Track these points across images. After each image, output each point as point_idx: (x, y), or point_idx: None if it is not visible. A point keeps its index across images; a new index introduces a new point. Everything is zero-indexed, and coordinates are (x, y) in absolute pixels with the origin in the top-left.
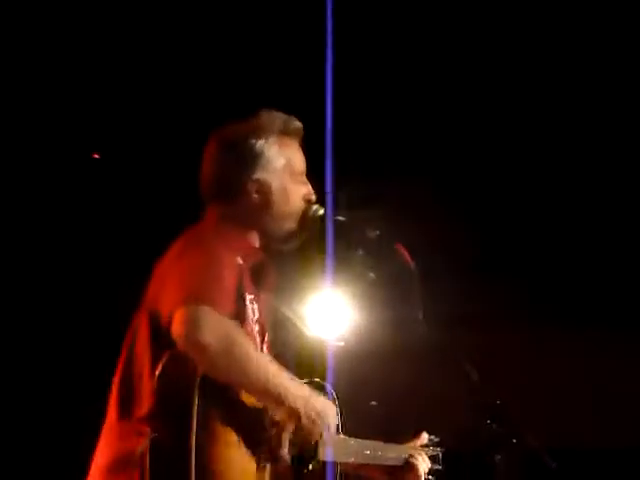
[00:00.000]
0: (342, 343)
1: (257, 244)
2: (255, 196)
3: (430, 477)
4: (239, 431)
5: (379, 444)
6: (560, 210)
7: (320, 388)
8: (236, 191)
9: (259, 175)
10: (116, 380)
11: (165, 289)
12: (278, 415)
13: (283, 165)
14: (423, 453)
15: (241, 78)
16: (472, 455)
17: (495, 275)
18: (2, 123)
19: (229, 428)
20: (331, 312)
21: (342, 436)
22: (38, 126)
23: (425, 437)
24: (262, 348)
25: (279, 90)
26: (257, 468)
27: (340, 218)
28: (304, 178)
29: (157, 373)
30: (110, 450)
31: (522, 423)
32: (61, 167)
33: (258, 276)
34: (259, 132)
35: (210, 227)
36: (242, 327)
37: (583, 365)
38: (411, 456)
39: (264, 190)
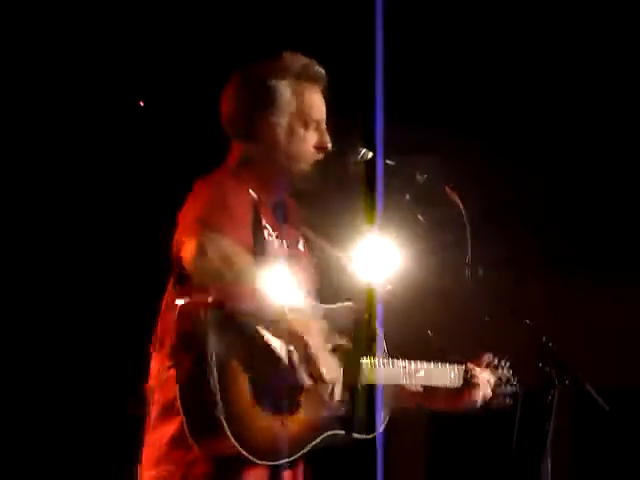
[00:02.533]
0: (389, 286)
1: (274, 182)
2: (265, 134)
3: (506, 398)
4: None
5: (433, 365)
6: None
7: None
8: (249, 129)
9: (269, 115)
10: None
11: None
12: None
13: (295, 107)
14: (485, 370)
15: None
16: (525, 396)
17: (541, 224)
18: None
19: (246, 361)
20: (378, 256)
21: (388, 360)
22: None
23: (487, 357)
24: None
25: (329, 33)
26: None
27: (389, 162)
28: (321, 126)
29: (177, 309)
30: (154, 405)
31: (573, 364)
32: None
33: (281, 212)
34: (276, 73)
35: (227, 165)
36: (261, 256)
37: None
38: (471, 373)
39: (273, 129)
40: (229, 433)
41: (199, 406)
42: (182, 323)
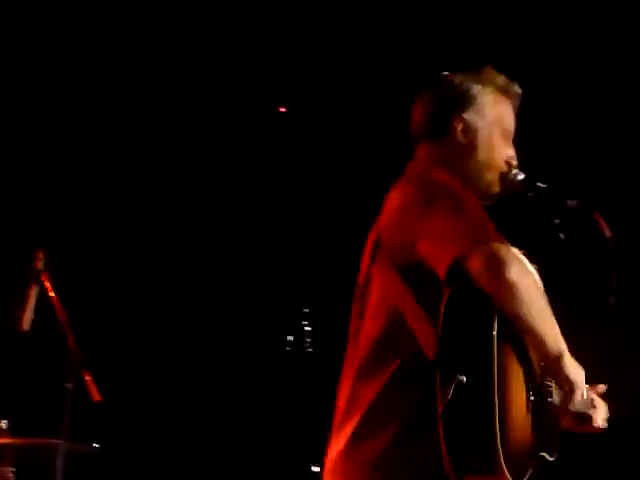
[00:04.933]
0: None
1: (465, 185)
2: (460, 135)
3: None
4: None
5: None
6: None
7: None
8: (443, 128)
9: (468, 115)
10: (358, 340)
11: (428, 237)
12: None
13: (495, 116)
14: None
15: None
16: None
17: None
18: None
19: (515, 369)
20: None
21: None
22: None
23: (603, 387)
24: None
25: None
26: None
27: (540, 184)
28: (510, 141)
29: (442, 315)
30: (359, 414)
31: None
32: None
33: None
34: (478, 79)
35: (417, 167)
36: None
37: None
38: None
39: (470, 130)
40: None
41: (472, 434)
42: (458, 311)
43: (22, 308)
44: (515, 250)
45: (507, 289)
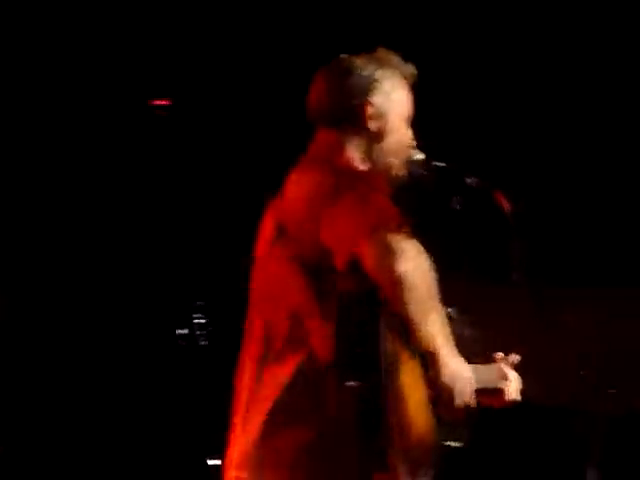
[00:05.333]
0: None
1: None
2: (369, 121)
3: None
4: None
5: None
6: None
7: None
8: (352, 114)
9: (378, 100)
10: (253, 348)
11: (333, 227)
12: None
13: (400, 99)
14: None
15: None
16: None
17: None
18: None
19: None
20: None
21: None
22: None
23: (516, 358)
24: None
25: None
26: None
27: (438, 164)
28: (409, 123)
29: (335, 318)
30: (270, 403)
31: None
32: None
33: None
34: (379, 63)
35: (319, 154)
36: None
37: None
38: (503, 375)
39: (379, 116)
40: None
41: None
42: (348, 311)
43: None
44: (412, 239)
45: (394, 280)
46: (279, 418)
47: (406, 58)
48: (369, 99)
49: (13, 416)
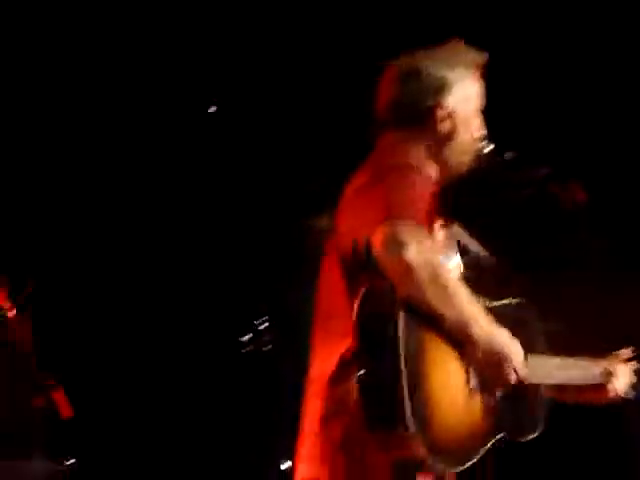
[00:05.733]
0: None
1: (441, 172)
2: (442, 124)
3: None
4: (447, 358)
5: (573, 362)
6: None
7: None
8: (423, 117)
9: (450, 102)
10: (315, 330)
11: (360, 218)
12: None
13: (470, 97)
14: (623, 366)
15: None
16: None
17: None
18: None
19: (437, 357)
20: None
21: (540, 356)
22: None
23: (627, 351)
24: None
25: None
26: (468, 398)
27: (509, 155)
28: (480, 115)
29: (355, 309)
30: (321, 400)
31: None
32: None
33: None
34: (449, 60)
35: (398, 152)
36: None
37: None
38: (608, 371)
39: (453, 118)
40: (414, 431)
41: (382, 400)
42: (368, 307)
43: None
44: (423, 233)
45: (402, 272)
46: (322, 416)
47: (478, 46)
48: (440, 101)
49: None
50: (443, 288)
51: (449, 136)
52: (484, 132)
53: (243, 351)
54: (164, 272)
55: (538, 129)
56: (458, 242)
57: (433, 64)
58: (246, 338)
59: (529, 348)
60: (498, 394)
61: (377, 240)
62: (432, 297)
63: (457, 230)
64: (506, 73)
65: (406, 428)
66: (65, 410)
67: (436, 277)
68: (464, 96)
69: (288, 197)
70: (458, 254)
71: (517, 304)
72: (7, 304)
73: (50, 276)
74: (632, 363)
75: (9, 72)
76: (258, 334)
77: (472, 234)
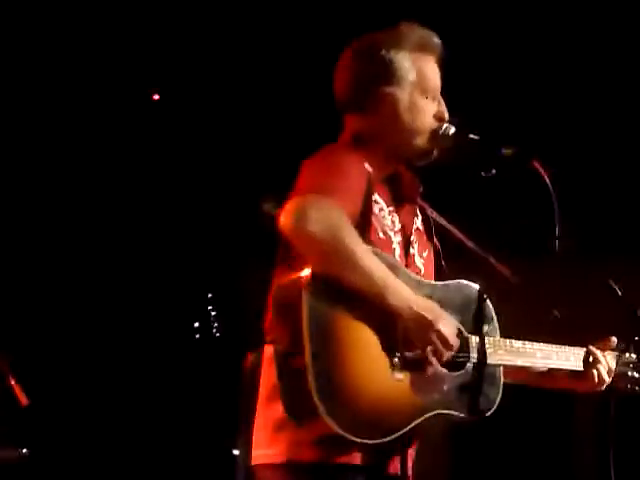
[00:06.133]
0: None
1: (391, 157)
2: (385, 108)
3: (632, 384)
4: (363, 334)
5: (552, 347)
6: None
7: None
8: (367, 102)
9: (389, 87)
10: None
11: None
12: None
13: (414, 80)
14: (607, 354)
15: None
16: None
17: None
18: None
19: (351, 331)
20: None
21: (504, 339)
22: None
23: (614, 340)
24: (404, 260)
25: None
26: (392, 374)
27: (473, 136)
28: (438, 96)
29: (274, 285)
30: (264, 382)
31: None
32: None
33: (396, 188)
34: (394, 43)
35: (342, 140)
36: (369, 232)
37: None
38: (593, 356)
39: (393, 103)
40: (325, 415)
41: (295, 386)
42: (277, 300)
43: None
44: (328, 206)
45: (304, 243)
46: (265, 396)
47: (434, 29)
48: (383, 85)
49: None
50: (347, 256)
51: (392, 121)
52: (443, 112)
53: (195, 337)
54: (116, 262)
55: (503, 110)
56: (432, 225)
57: (379, 47)
58: (197, 325)
59: (476, 328)
60: (431, 370)
61: (283, 214)
62: (336, 264)
63: (431, 213)
64: (470, 56)
65: (316, 413)
66: (22, 399)
67: (339, 245)
68: (409, 79)
69: (238, 186)
70: (432, 237)
71: (462, 285)
72: None
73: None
74: (613, 352)
75: None
76: (208, 321)
77: (445, 217)
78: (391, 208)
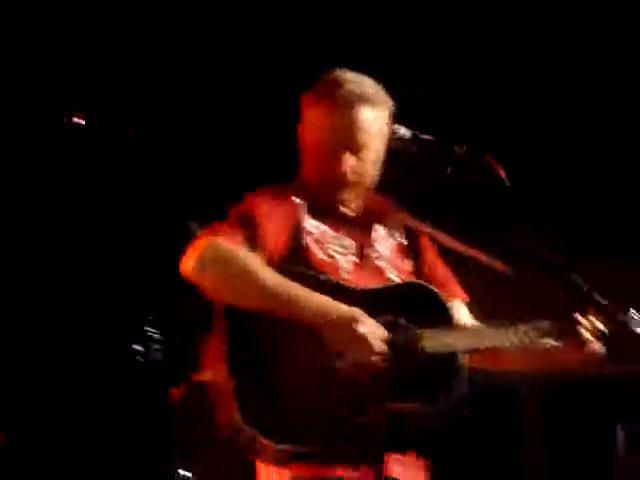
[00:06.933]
0: None
1: (322, 191)
2: (301, 146)
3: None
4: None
5: (486, 328)
6: None
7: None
8: (301, 143)
9: (303, 127)
10: None
11: None
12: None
13: (320, 126)
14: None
15: None
16: None
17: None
18: None
19: (284, 345)
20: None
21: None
22: None
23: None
24: (360, 277)
25: None
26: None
27: (425, 137)
28: (356, 146)
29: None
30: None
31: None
32: None
33: (329, 213)
34: (319, 88)
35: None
36: (307, 258)
37: None
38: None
39: (305, 142)
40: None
41: (221, 407)
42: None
43: None
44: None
45: (197, 279)
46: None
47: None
48: (300, 125)
49: None
50: (243, 279)
51: (303, 156)
52: (347, 171)
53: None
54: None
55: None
56: (406, 228)
57: (310, 90)
58: (137, 346)
59: (428, 323)
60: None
61: (182, 261)
62: (236, 291)
63: (404, 217)
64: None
65: (242, 433)
66: None
67: (233, 272)
68: (318, 124)
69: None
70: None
71: (411, 284)
72: None
73: None
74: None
75: None
76: (149, 342)
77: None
78: (340, 233)
